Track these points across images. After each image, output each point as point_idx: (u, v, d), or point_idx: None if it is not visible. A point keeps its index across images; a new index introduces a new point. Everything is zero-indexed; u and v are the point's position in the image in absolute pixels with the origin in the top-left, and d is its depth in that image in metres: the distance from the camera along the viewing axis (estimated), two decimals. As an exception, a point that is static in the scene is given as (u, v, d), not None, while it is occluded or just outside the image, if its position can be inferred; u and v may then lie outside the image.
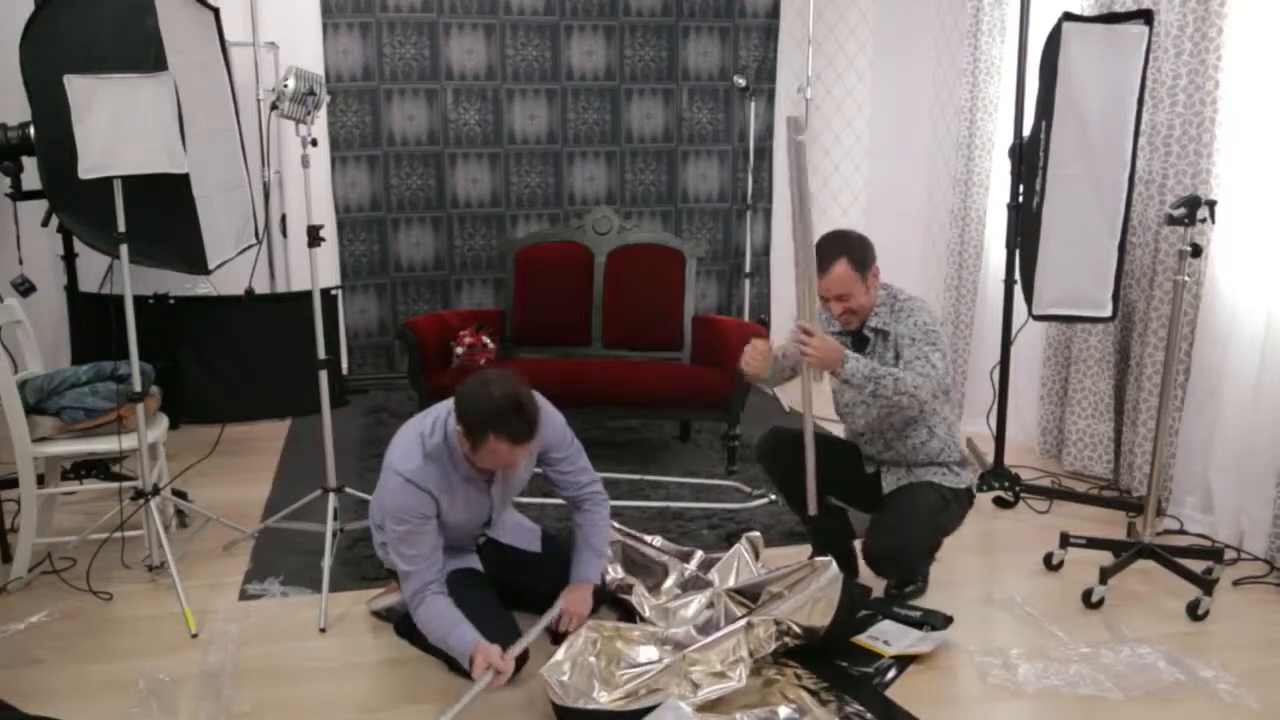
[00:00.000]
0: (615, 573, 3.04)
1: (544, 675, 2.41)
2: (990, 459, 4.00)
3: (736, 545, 3.12)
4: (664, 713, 2.34)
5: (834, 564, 2.72)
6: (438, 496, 2.58)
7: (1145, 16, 3.50)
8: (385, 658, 2.78)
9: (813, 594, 2.65)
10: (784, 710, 2.43)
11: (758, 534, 3.17)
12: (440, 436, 2.58)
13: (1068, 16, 3.52)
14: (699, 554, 3.18)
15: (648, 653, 2.60)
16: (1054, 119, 3.54)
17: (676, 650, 2.58)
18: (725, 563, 3.08)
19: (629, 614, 2.91)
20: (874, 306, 2.95)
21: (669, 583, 3.03)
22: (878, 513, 3.02)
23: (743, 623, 2.58)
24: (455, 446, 2.57)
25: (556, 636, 2.67)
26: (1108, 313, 3.70)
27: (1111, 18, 3.64)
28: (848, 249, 2.87)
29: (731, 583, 2.96)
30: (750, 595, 2.82)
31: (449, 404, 2.61)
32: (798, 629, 2.63)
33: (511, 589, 2.85)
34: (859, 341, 3.00)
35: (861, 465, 3.15)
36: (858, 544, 3.25)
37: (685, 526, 3.59)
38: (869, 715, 2.46)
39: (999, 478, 3.92)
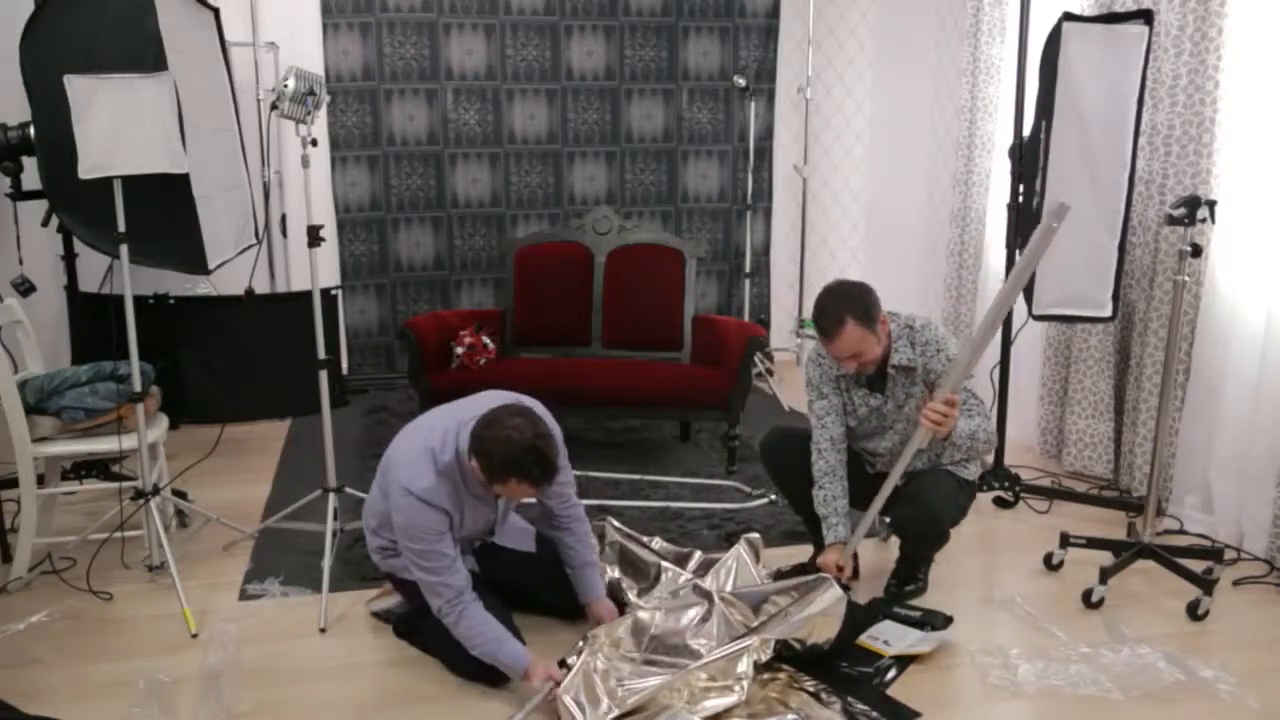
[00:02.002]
0: (611, 573, 3.04)
1: (560, 696, 2.40)
2: (990, 459, 4.00)
3: (735, 546, 3.11)
4: None
5: (836, 585, 2.71)
6: (451, 513, 2.56)
7: (1145, 16, 3.50)
8: (385, 658, 2.78)
9: (816, 613, 2.65)
10: (790, 718, 2.43)
11: (757, 535, 3.16)
12: (451, 455, 2.53)
13: (1068, 16, 3.52)
14: (698, 554, 3.17)
15: (648, 669, 2.59)
16: (1054, 119, 3.54)
17: (677, 662, 2.58)
18: (724, 564, 3.07)
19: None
20: (889, 346, 2.90)
21: (660, 589, 3.02)
22: (901, 493, 3.02)
23: (746, 643, 2.56)
24: (467, 466, 2.54)
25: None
26: (1108, 313, 3.70)
27: (1111, 18, 3.63)
28: (852, 309, 2.75)
29: (729, 586, 2.96)
30: (750, 603, 2.81)
31: (457, 417, 2.59)
32: (797, 645, 2.64)
33: (508, 589, 2.85)
34: (878, 379, 2.97)
35: (864, 467, 3.15)
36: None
37: (685, 526, 3.59)
38: (874, 714, 2.46)
39: (999, 478, 3.92)
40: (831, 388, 3.03)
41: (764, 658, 2.58)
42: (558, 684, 2.43)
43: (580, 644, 2.58)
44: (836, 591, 2.68)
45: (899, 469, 2.82)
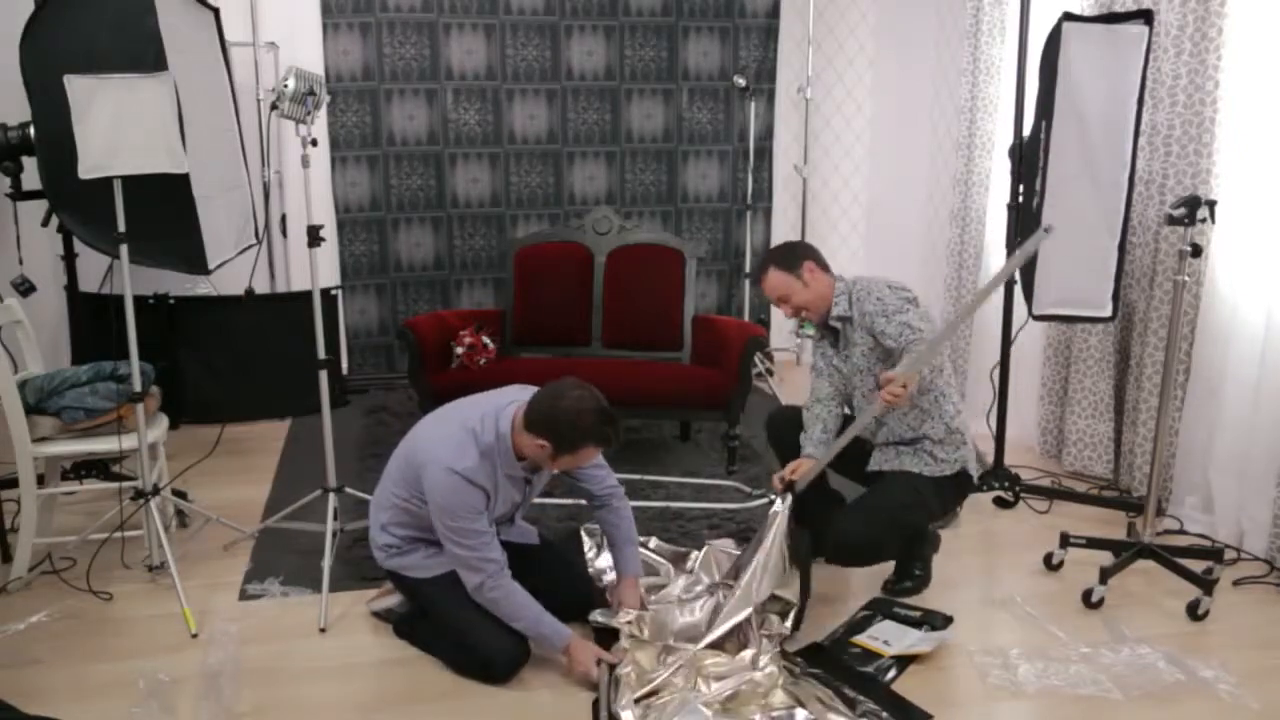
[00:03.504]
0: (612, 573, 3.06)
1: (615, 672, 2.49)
2: (990, 459, 4.00)
3: (705, 548, 3.20)
4: (685, 718, 2.36)
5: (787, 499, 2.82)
6: (489, 492, 2.61)
7: (1145, 16, 3.50)
8: (385, 658, 2.78)
9: (777, 540, 2.73)
10: (801, 714, 2.43)
11: (727, 541, 3.28)
12: (492, 436, 2.59)
13: (1068, 16, 3.52)
14: (695, 554, 3.20)
15: (664, 655, 2.62)
16: (1054, 119, 3.54)
17: (688, 644, 2.62)
18: (704, 561, 3.13)
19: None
20: (829, 299, 3.02)
21: (677, 588, 3.04)
22: (851, 501, 3.05)
23: (746, 614, 2.61)
24: (507, 446, 2.60)
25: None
26: (1108, 313, 3.70)
27: (1111, 18, 3.63)
28: (775, 258, 3.05)
29: (719, 576, 3.02)
30: (734, 573, 2.87)
31: (494, 403, 2.65)
32: (781, 594, 2.69)
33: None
34: (832, 334, 3.10)
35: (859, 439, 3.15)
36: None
37: (685, 526, 3.59)
38: (884, 714, 2.47)
39: (999, 478, 3.92)
40: (819, 353, 3.17)
41: (770, 623, 2.63)
42: (612, 666, 2.53)
43: (624, 632, 2.65)
44: (781, 505, 2.79)
45: (858, 426, 2.86)
